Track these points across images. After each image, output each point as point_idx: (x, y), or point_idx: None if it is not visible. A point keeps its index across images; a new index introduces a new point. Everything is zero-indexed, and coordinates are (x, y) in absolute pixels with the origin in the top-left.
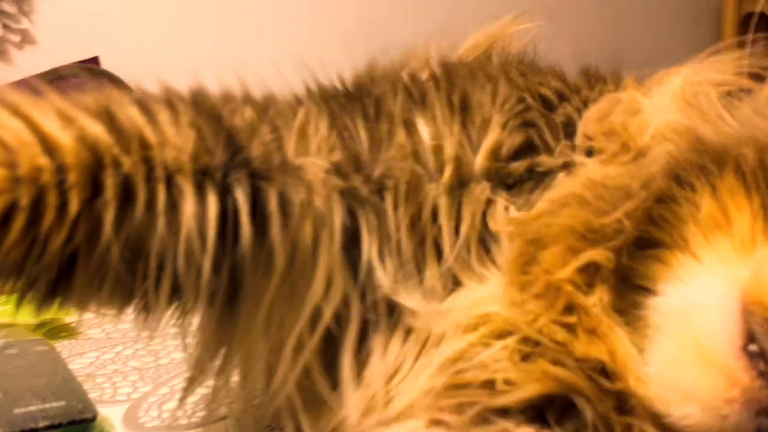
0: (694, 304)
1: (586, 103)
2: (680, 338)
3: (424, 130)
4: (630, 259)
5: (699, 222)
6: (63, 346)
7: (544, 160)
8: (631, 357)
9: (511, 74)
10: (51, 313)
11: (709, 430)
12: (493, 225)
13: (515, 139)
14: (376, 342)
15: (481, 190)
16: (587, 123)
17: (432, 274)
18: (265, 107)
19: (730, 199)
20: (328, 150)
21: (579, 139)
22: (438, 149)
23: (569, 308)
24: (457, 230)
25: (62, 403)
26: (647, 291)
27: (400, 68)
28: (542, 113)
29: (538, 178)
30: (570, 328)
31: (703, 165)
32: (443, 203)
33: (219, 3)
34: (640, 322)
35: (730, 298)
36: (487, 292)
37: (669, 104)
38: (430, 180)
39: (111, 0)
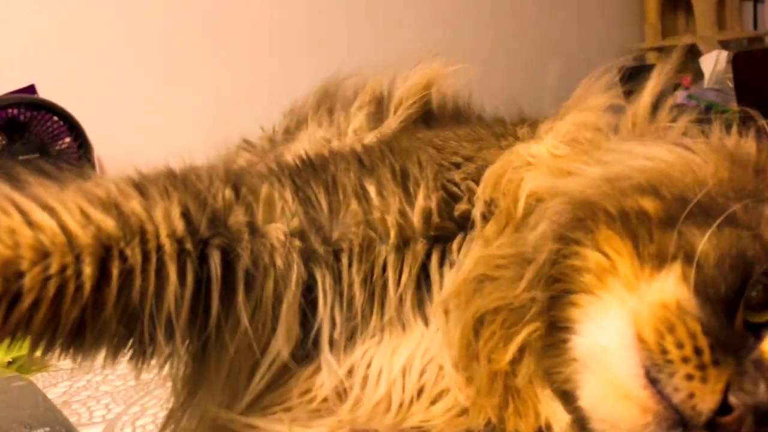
0: (603, 344)
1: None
2: (599, 378)
3: (374, 198)
4: (552, 310)
5: (591, 270)
6: (37, 379)
7: (461, 206)
8: (557, 418)
9: (431, 147)
10: (21, 350)
11: None
12: (432, 276)
13: (438, 201)
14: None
15: (420, 247)
16: (484, 188)
17: (375, 323)
18: (238, 186)
19: (609, 247)
20: (291, 216)
21: (479, 204)
22: (386, 214)
23: (506, 389)
24: (399, 283)
25: (47, 429)
26: (570, 330)
27: (353, 98)
28: (456, 180)
29: (462, 226)
30: (506, 406)
31: (580, 221)
32: (391, 260)
33: (151, 32)
34: (568, 355)
35: (627, 335)
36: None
37: (546, 162)
38: (381, 242)
39: (45, 28)
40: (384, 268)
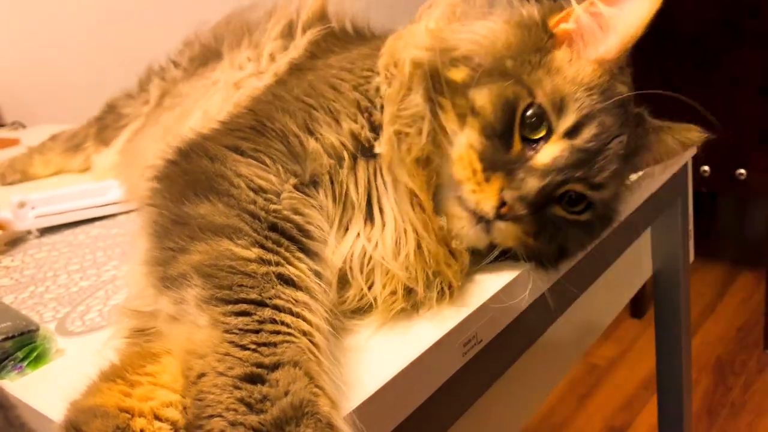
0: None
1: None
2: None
3: (325, 134)
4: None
5: (445, 126)
6: None
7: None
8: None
9: (344, 70)
10: None
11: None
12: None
13: (361, 123)
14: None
15: (364, 162)
16: (382, 60)
17: (354, 227)
18: (257, 189)
19: (442, 109)
20: (285, 180)
21: (382, 71)
22: (338, 143)
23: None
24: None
25: (8, 323)
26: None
27: (265, 23)
28: (371, 94)
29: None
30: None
31: (434, 87)
32: (349, 177)
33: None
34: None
35: (453, 174)
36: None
37: (422, 35)
38: (340, 166)
39: None
40: (346, 185)
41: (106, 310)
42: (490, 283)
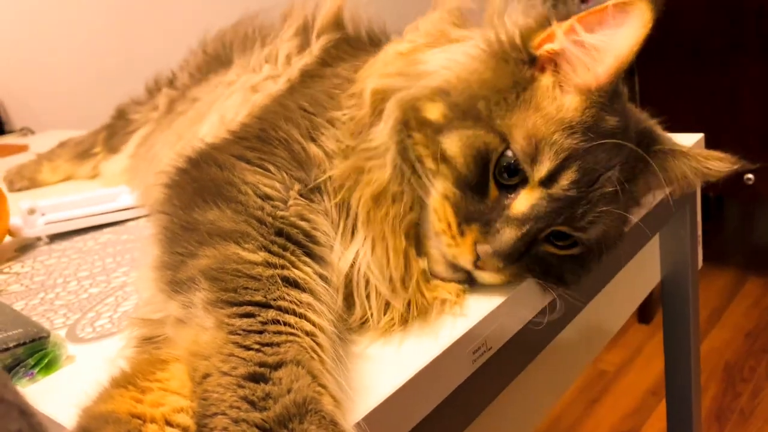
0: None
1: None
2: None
3: (325, 140)
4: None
5: (424, 160)
6: None
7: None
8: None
9: (348, 82)
10: None
11: None
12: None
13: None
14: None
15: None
16: (357, 84)
17: (359, 233)
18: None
19: (420, 146)
20: (290, 186)
21: (354, 97)
22: (337, 149)
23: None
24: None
25: (20, 330)
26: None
27: (279, 25)
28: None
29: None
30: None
31: (407, 121)
32: (349, 184)
33: None
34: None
35: (432, 223)
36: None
37: (393, 59)
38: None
39: None
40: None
41: (116, 316)
42: (498, 292)
